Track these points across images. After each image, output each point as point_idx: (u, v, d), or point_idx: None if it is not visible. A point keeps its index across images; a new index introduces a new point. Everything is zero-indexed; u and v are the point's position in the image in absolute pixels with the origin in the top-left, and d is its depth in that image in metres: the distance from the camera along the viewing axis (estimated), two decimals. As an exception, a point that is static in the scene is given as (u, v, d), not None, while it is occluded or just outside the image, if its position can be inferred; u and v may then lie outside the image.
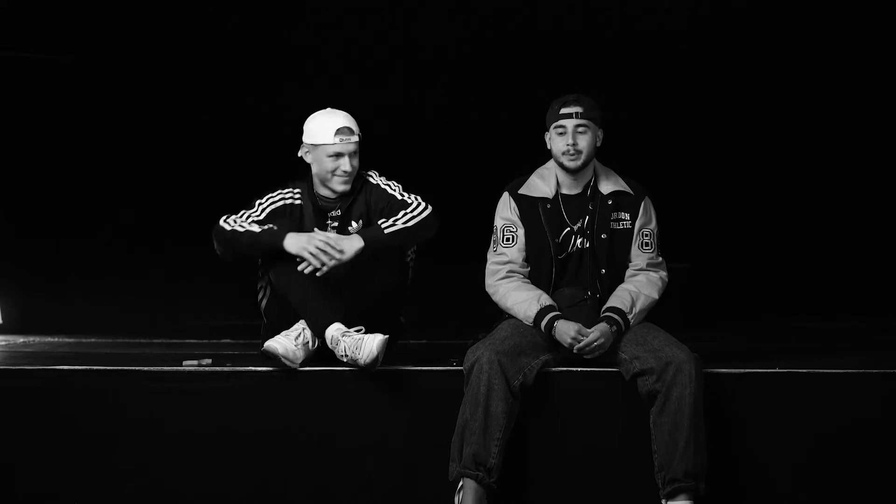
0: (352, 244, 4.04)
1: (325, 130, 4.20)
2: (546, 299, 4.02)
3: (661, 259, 4.18)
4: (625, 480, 3.99)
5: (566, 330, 3.95)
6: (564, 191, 4.15)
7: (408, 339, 4.44)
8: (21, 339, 5.21)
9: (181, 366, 4.09)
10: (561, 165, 4.12)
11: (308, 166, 4.29)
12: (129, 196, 6.09)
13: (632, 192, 4.16)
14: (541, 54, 6.18)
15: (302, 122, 4.28)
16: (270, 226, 4.12)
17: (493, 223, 4.18)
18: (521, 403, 3.87)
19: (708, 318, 5.85)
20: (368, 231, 4.10)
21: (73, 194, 6.06)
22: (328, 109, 4.27)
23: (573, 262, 4.13)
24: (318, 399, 4.02)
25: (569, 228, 4.13)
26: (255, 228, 4.10)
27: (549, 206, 4.12)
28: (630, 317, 4.01)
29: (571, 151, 4.07)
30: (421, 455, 4.00)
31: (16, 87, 5.94)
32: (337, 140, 4.19)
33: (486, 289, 4.15)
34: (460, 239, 4.82)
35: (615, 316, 3.99)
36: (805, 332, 5.65)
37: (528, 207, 4.13)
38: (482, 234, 4.25)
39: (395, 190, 4.24)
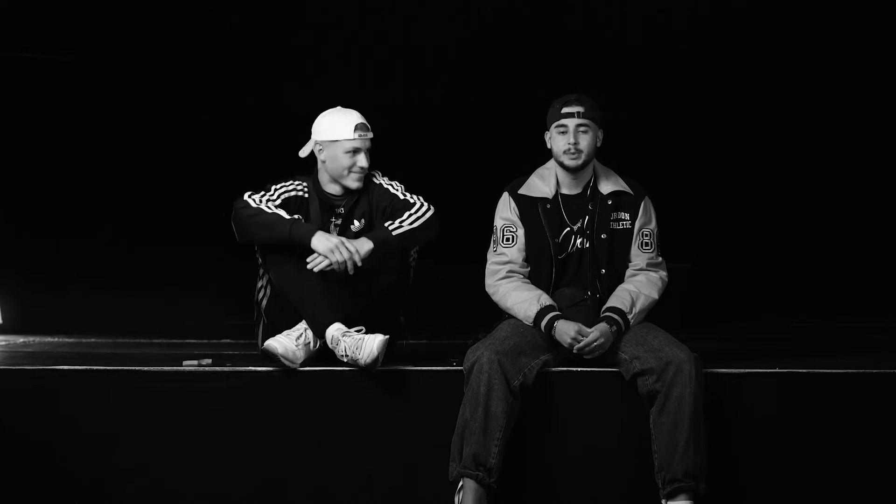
0: (363, 246, 4.04)
1: (344, 126, 4.20)
2: (546, 299, 4.02)
3: (661, 259, 4.18)
4: (625, 480, 3.98)
5: (566, 330, 3.95)
6: (564, 191, 4.15)
7: (407, 339, 4.44)
8: (21, 339, 5.21)
9: (181, 366, 4.09)
10: (561, 164, 4.12)
11: (312, 164, 4.29)
12: (129, 196, 6.08)
13: (632, 192, 4.16)
14: (541, 54, 6.18)
15: (302, 122, 4.28)
16: (298, 216, 4.12)
17: (492, 223, 4.18)
18: (521, 403, 3.87)
19: (708, 318, 5.84)
20: (376, 233, 4.10)
21: (73, 194, 6.05)
22: (340, 108, 4.27)
23: (573, 262, 4.13)
24: (318, 399, 4.02)
25: (568, 228, 4.13)
26: (284, 214, 4.09)
27: (548, 206, 4.12)
28: (630, 317, 4.01)
29: (572, 150, 4.07)
30: (421, 455, 4.00)
31: (16, 87, 5.94)
32: (356, 136, 4.20)
33: (486, 289, 4.15)
34: (460, 239, 4.81)
35: (615, 316, 3.99)
36: (805, 332, 5.65)
37: (528, 207, 4.13)
38: (482, 234, 4.25)
39: (397, 190, 4.24)
